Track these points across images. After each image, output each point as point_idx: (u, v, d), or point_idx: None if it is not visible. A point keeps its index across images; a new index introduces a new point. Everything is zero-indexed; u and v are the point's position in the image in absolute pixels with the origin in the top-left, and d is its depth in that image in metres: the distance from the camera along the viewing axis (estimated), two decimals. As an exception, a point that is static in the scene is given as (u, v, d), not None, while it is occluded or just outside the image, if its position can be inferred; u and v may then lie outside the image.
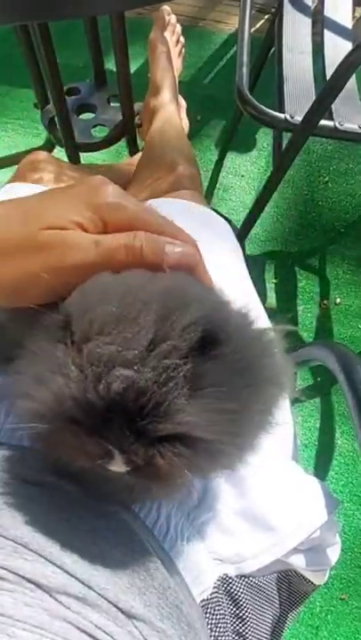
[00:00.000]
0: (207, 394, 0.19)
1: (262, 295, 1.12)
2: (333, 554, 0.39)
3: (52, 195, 0.25)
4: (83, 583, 0.21)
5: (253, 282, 0.51)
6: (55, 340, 0.21)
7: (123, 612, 0.21)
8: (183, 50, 1.07)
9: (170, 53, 0.95)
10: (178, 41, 1.03)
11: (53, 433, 0.20)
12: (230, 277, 0.47)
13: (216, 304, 0.22)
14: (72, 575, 0.21)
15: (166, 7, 0.98)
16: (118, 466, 0.19)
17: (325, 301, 1.14)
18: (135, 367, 0.18)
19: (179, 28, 1.02)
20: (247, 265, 0.53)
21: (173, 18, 1.00)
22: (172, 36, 1.00)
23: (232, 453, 0.21)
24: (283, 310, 1.13)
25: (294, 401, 1.01)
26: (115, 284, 0.21)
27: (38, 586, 0.20)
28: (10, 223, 0.23)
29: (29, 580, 0.20)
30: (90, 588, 0.21)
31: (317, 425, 1.01)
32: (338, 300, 1.14)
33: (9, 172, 1.09)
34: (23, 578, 0.20)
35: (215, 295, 0.24)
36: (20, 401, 0.20)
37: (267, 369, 0.22)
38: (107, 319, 0.19)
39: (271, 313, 1.05)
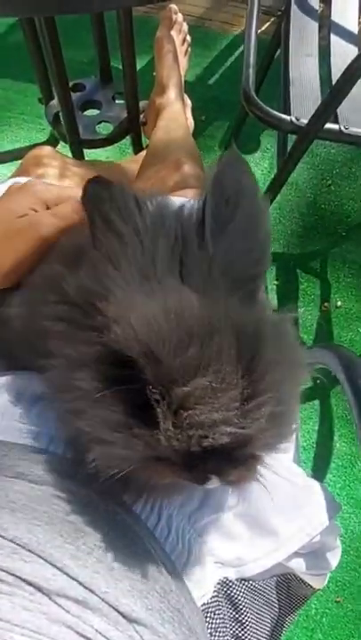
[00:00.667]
0: (274, 405, 0.21)
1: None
2: (334, 558, 0.39)
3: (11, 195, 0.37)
4: (83, 586, 0.21)
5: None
6: (101, 378, 0.21)
7: (124, 615, 0.21)
8: (189, 49, 1.06)
9: (176, 52, 0.95)
10: (184, 40, 1.03)
11: (138, 469, 0.21)
12: None
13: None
14: (73, 578, 0.21)
15: (173, 6, 0.98)
16: (213, 484, 0.21)
17: (326, 304, 1.14)
18: (235, 422, 0.20)
19: (185, 26, 1.02)
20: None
21: (180, 17, 0.99)
22: (179, 34, 1.00)
23: (286, 440, 0.24)
24: (284, 312, 1.12)
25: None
26: (182, 315, 0.20)
27: (37, 588, 0.20)
28: None
29: (28, 583, 0.20)
30: (90, 591, 0.21)
31: (316, 427, 1.01)
32: (339, 303, 1.14)
33: (12, 166, 1.09)
34: (22, 580, 0.20)
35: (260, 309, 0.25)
36: (95, 447, 0.21)
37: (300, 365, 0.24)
38: (200, 384, 0.19)
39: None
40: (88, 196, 0.25)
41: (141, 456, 0.21)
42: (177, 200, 0.29)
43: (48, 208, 0.35)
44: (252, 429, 0.20)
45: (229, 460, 0.21)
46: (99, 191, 0.25)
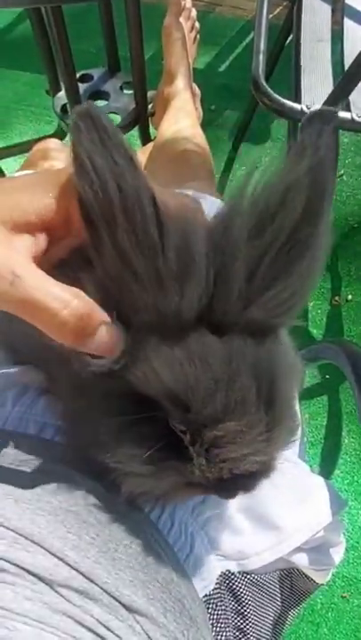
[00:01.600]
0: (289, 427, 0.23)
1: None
2: (337, 554, 0.39)
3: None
4: (85, 576, 0.21)
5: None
6: (123, 413, 0.22)
7: (124, 606, 0.21)
8: (198, 36, 1.04)
9: (185, 40, 0.93)
10: (193, 27, 1.01)
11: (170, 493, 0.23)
12: None
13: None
14: (74, 568, 0.21)
15: None
16: (236, 498, 0.23)
17: (337, 298, 1.12)
18: (262, 452, 0.21)
19: (194, 12, 1.00)
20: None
21: (189, 2, 0.97)
22: (187, 21, 0.98)
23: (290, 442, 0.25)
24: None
25: (302, 399, 1.00)
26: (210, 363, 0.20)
27: (40, 578, 0.20)
28: None
29: (31, 573, 0.20)
30: (92, 581, 0.21)
31: (324, 423, 1.00)
32: (349, 297, 1.12)
33: (21, 159, 1.09)
34: (24, 570, 0.20)
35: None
36: (127, 480, 0.23)
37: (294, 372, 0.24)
38: (229, 428, 0.20)
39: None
40: (85, 202, 0.19)
41: (174, 484, 0.22)
42: (205, 209, 0.24)
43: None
44: (276, 452, 0.22)
45: (256, 479, 0.23)
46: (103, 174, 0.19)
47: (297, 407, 0.26)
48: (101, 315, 0.20)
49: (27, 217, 0.20)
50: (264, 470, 0.23)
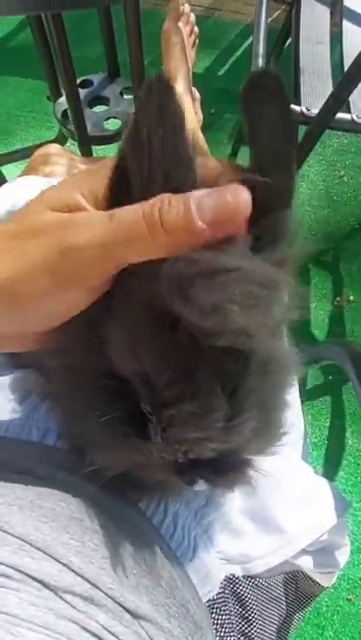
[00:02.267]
0: (259, 419, 0.23)
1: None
2: (342, 556, 0.39)
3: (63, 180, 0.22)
4: (89, 582, 0.21)
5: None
6: (106, 390, 0.23)
7: (129, 611, 0.21)
8: (197, 41, 1.05)
9: (184, 44, 0.94)
10: (192, 31, 1.02)
11: (133, 470, 0.23)
12: None
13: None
14: (79, 574, 0.21)
15: None
16: (201, 487, 0.23)
17: (339, 299, 1.12)
18: (218, 439, 0.21)
19: (193, 17, 1.00)
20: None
21: (187, 7, 0.98)
22: (186, 26, 0.99)
23: (276, 443, 0.25)
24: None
25: (305, 399, 1.00)
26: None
27: (44, 585, 0.20)
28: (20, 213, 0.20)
29: (35, 579, 0.20)
30: (96, 587, 0.21)
31: (327, 424, 1.00)
32: (351, 298, 1.12)
33: (22, 165, 1.09)
34: (29, 576, 0.20)
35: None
36: (94, 451, 0.23)
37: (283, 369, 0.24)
38: (185, 409, 0.21)
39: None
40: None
41: (136, 461, 0.23)
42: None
43: None
44: (235, 443, 0.22)
45: (217, 468, 0.22)
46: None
47: (287, 411, 0.25)
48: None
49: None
50: (230, 465, 0.23)
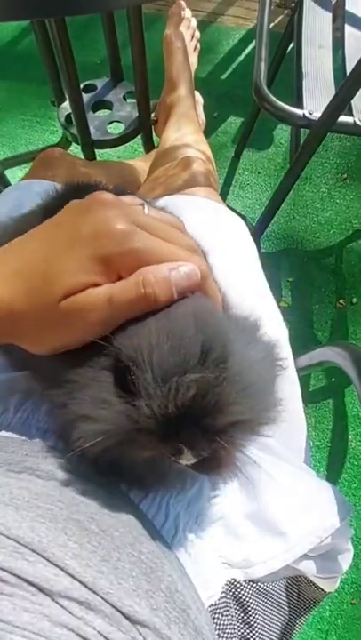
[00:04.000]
0: (241, 380, 0.23)
1: (277, 294, 1.11)
2: (345, 561, 0.39)
3: (56, 252, 0.25)
4: (86, 587, 0.21)
5: (268, 280, 0.51)
6: (100, 368, 0.24)
7: (127, 617, 0.21)
8: (198, 44, 1.05)
9: (186, 49, 0.94)
10: (193, 36, 1.02)
11: (120, 444, 0.24)
12: (242, 279, 0.46)
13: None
14: (75, 578, 0.21)
15: (182, 2, 0.97)
16: (187, 459, 0.23)
17: (341, 301, 1.11)
18: (198, 371, 0.22)
19: (194, 22, 1.01)
20: (262, 263, 0.52)
21: (188, 12, 0.98)
22: (188, 30, 0.99)
23: (266, 422, 0.25)
24: (298, 309, 1.11)
25: (307, 402, 1.00)
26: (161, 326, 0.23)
27: (40, 589, 0.20)
28: (22, 295, 0.25)
29: (30, 583, 0.20)
30: (93, 591, 0.21)
31: (330, 427, 0.99)
32: (354, 300, 1.11)
33: (26, 168, 1.10)
34: (24, 580, 0.20)
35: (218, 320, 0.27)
36: (81, 422, 0.23)
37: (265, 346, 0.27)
38: (163, 334, 0.23)
39: (286, 312, 1.03)
40: None
41: (123, 429, 0.23)
42: None
43: (117, 276, 0.25)
44: (217, 388, 0.22)
45: (201, 430, 0.23)
46: None
47: (277, 396, 0.26)
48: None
49: None
50: (210, 420, 0.23)
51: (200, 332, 0.23)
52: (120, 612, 0.21)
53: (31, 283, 0.25)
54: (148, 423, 0.22)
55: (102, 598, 0.21)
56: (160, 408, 0.22)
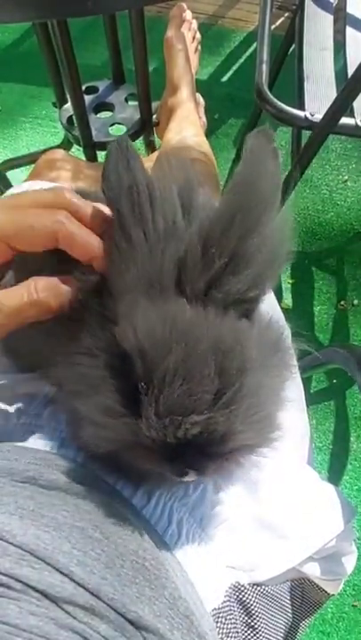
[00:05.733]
0: (249, 408, 0.23)
1: (278, 296, 1.11)
2: (349, 563, 0.38)
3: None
4: (91, 593, 0.21)
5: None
6: (108, 367, 0.24)
7: (131, 622, 0.21)
8: (199, 46, 1.06)
9: (187, 51, 0.95)
10: (194, 38, 1.02)
11: (124, 452, 0.24)
12: None
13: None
14: (80, 585, 0.21)
15: (183, 4, 0.97)
16: (191, 478, 0.23)
17: (343, 302, 1.11)
18: (207, 413, 0.22)
19: (195, 24, 1.01)
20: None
21: (189, 14, 0.99)
22: (189, 32, 1.00)
23: (269, 444, 0.25)
24: (299, 311, 1.11)
25: (309, 404, 0.99)
26: (176, 328, 0.23)
27: (45, 595, 0.20)
28: None
29: (36, 590, 0.20)
30: (98, 597, 0.21)
31: (332, 428, 0.99)
32: (355, 302, 1.11)
33: (28, 170, 1.10)
34: (29, 587, 0.20)
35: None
36: (87, 426, 0.24)
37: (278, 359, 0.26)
38: (180, 374, 0.22)
39: (287, 314, 1.03)
40: (110, 184, 0.25)
41: (126, 441, 0.23)
42: (200, 195, 0.27)
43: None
44: (223, 425, 0.22)
45: (206, 455, 0.23)
46: (121, 177, 0.25)
47: (283, 410, 0.26)
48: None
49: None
50: (214, 448, 0.23)
51: (217, 376, 0.22)
52: (124, 617, 0.21)
53: None
54: (150, 444, 0.22)
55: (106, 604, 0.21)
56: (160, 437, 0.22)
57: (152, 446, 0.22)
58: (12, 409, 0.32)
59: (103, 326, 0.25)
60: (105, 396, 0.23)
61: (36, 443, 0.30)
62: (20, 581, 0.20)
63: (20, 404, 0.32)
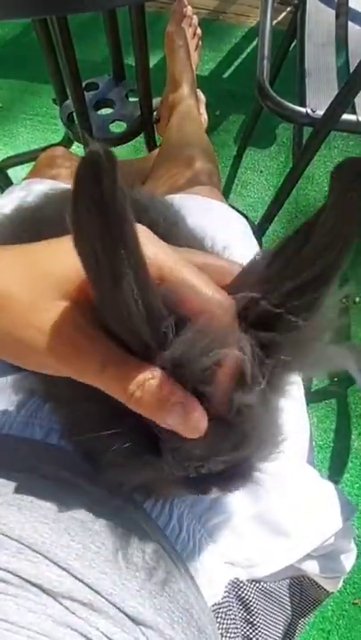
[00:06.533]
0: (265, 430, 0.23)
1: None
2: (348, 561, 0.38)
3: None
4: (90, 587, 0.21)
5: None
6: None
7: (130, 617, 0.21)
8: (200, 42, 1.05)
9: (188, 47, 0.94)
10: (195, 33, 1.02)
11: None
12: None
13: None
14: (79, 579, 0.21)
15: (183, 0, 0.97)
16: (214, 495, 0.24)
17: (344, 301, 1.11)
18: (226, 455, 0.22)
19: (196, 20, 1.01)
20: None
21: (190, 10, 0.98)
22: (189, 28, 0.99)
23: (272, 456, 0.25)
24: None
25: (310, 402, 1.00)
26: None
27: (43, 590, 0.20)
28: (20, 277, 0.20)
29: (33, 584, 0.20)
30: (97, 592, 0.21)
31: (333, 426, 0.99)
32: (357, 300, 1.11)
33: (28, 167, 1.10)
34: (27, 581, 0.20)
35: None
36: (110, 467, 0.23)
37: None
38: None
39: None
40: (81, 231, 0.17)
41: (150, 478, 0.23)
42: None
43: None
44: (242, 456, 0.22)
45: (227, 477, 0.23)
46: (92, 219, 0.17)
47: (283, 420, 0.25)
48: (179, 392, 0.19)
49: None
50: (239, 472, 0.23)
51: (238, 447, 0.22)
52: (123, 612, 0.21)
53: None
54: (172, 478, 0.22)
55: (106, 599, 0.21)
56: (184, 474, 0.22)
57: (175, 479, 0.23)
58: (11, 402, 0.32)
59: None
60: (123, 438, 0.22)
61: (36, 435, 0.30)
62: (18, 576, 0.20)
63: (20, 399, 0.32)
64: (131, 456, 0.22)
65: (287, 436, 0.24)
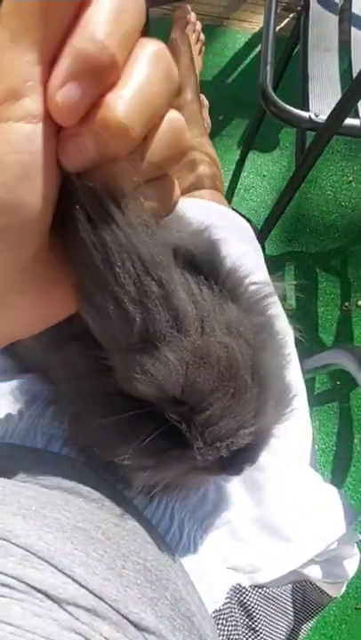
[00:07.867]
0: (279, 393, 0.24)
1: (282, 296, 1.11)
2: (351, 566, 0.38)
3: None
4: (93, 594, 0.21)
5: (273, 284, 0.51)
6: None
7: (133, 624, 0.21)
8: (203, 48, 1.06)
9: (191, 52, 0.95)
10: (198, 39, 1.03)
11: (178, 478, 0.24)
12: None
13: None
14: (83, 586, 0.21)
15: (187, 6, 0.97)
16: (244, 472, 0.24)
17: (347, 304, 1.11)
18: (253, 424, 0.22)
19: (199, 25, 1.01)
20: (267, 266, 0.52)
21: (193, 15, 0.99)
22: (193, 34, 1.00)
23: (290, 407, 0.26)
24: (303, 312, 1.11)
25: (312, 405, 0.99)
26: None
27: (48, 596, 0.20)
28: None
29: (39, 590, 0.20)
30: (100, 599, 0.21)
31: (335, 430, 0.99)
32: (359, 303, 1.11)
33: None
34: (32, 587, 0.20)
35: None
36: (138, 473, 0.23)
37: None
38: (219, 406, 0.21)
39: (290, 315, 1.02)
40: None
41: (181, 471, 0.23)
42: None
43: None
44: (265, 421, 0.23)
45: (256, 450, 0.24)
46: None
47: (291, 378, 0.26)
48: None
49: None
50: (261, 439, 0.24)
51: (256, 389, 0.22)
52: (127, 619, 0.21)
53: None
54: (205, 464, 0.22)
55: (109, 605, 0.21)
56: (216, 458, 0.22)
57: (207, 466, 0.23)
58: (14, 410, 0.32)
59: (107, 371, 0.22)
60: (137, 439, 0.22)
61: (38, 442, 0.30)
62: (24, 582, 0.20)
63: (22, 405, 0.33)
64: (157, 455, 0.22)
65: (297, 392, 0.25)
